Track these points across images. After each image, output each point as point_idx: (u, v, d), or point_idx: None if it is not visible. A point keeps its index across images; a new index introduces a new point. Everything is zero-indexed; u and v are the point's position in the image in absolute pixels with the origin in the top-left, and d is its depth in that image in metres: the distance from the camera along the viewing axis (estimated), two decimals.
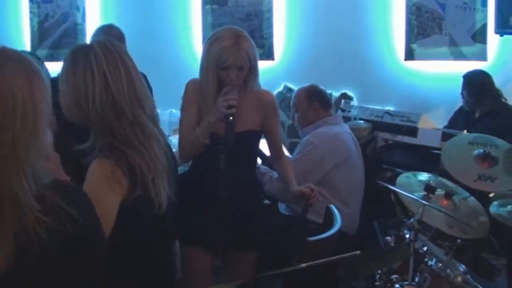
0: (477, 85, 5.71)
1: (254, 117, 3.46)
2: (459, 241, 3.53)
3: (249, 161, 3.59)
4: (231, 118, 3.25)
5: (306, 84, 4.79)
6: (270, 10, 7.27)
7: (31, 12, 8.23)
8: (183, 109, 3.53)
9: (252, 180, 3.63)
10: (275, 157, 3.73)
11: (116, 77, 2.32)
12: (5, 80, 1.59)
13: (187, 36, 7.67)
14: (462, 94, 5.81)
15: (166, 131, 7.04)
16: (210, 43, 3.33)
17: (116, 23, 7.90)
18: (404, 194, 3.65)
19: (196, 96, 3.41)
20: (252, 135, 3.49)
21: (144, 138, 2.33)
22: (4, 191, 1.51)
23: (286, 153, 4.29)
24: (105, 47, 2.36)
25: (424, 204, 3.37)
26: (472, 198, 4.08)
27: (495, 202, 4.10)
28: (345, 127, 4.68)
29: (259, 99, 3.46)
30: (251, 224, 3.45)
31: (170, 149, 2.64)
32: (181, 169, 5.56)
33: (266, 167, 4.20)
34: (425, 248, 3.38)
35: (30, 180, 1.54)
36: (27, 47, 8.17)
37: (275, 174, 4.00)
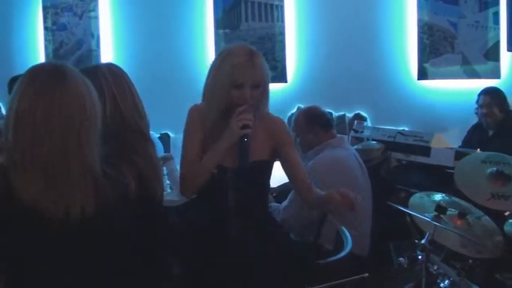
0: (505, 100, 5.70)
1: (264, 146, 3.15)
2: (470, 261, 3.50)
3: (260, 195, 3.24)
4: (245, 139, 2.97)
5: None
6: (282, 33, 7.33)
7: (46, 39, 8.36)
8: (186, 138, 3.21)
9: (265, 218, 3.28)
10: (303, 189, 3.21)
11: (122, 94, 2.72)
12: (78, 88, 2.18)
13: (202, 61, 7.70)
14: (488, 111, 5.75)
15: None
16: (221, 59, 3.07)
17: (130, 48, 8.01)
18: (414, 215, 3.62)
19: (201, 123, 3.12)
20: (263, 166, 3.16)
21: (146, 145, 2.71)
22: (85, 164, 2.15)
23: None
24: (110, 68, 2.79)
25: (435, 224, 3.35)
26: (486, 217, 4.04)
27: (510, 221, 4.06)
28: (350, 149, 4.62)
29: (269, 126, 3.17)
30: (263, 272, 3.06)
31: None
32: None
33: (273, 203, 4.15)
34: (437, 269, 3.36)
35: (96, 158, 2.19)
36: None
37: (281, 206, 3.93)
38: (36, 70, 2.28)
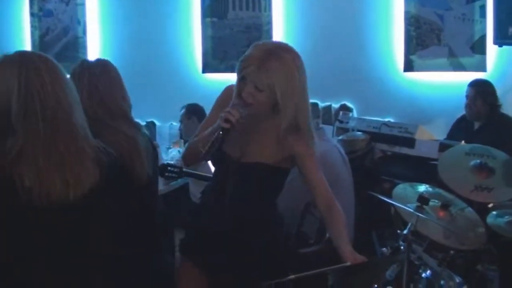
0: (491, 93, 5.73)
1: (272, 152, 3.03)
2: (452, 252, 3.51)
3: (258, 197, 3.12)
4: (221, 132, 2.86)
5: None
6: (269, 23, 7.33)
7: (32, 26, 8.32)
8: (210, 111, 3.26)
9: (263, 219, 3.15)
10: (323, 207, 3.06)
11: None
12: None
13: (188, 49, 7.71)
14: (470, 103, 5.78)
15: (166, 143, 7.07)
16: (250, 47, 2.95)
17: (116, 36, 7.97)
18: (397, 205, 3.64)
19: (227, 102, 3.01)
20: (263, 169, 3.04)
21: (130, 127, 3.05)
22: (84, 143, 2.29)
23: None
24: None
25: (417, 215, 3.36)
26: (469, 209, 4.05)
27: (493, 213, 4.08)
28: (332, 142, 4.57)
29: (288, 140, 3.00)
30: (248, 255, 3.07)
31: (147, 137, 3.25)
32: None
33: None
34: (419, 259, 3.37)
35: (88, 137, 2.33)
36: None
37: None
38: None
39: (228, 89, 3.13)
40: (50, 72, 2.24)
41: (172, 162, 5.25)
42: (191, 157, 3.29)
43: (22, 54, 2.30)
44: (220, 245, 3.09)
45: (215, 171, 3.30)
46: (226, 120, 2.84)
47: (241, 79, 2.89)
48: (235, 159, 3.03)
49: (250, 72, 2.83)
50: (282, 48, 2.93)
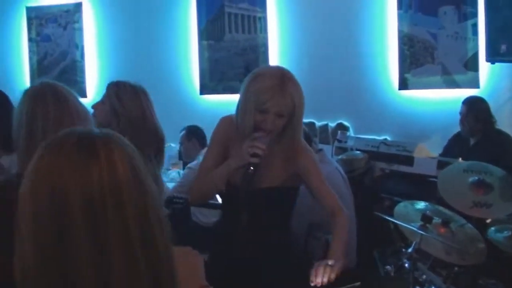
0: (483, 110, 5.79)
1: (281, 174, 3.03)
2: (456, 268, 3.58)
3: (275, 222, 3.09)
4: (251, 168, 2.84)
5: None
6: (265, 45, 7.42)
7: (30, 51, 8.40)
8: (208, 147, 3.23)
9: (282, 244, 3.11)
10: (330, 214, 3.03)
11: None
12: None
13: (186, 71, 7.78)
14: (463, 120, 5.87)
15: (165, 165, 7.10)
16: (251, 80, 2.89)
17: (114, 59, 8.05)
18: (402, 225, 3.70)
19: (226, 135, 3.06)
20: (274, 193, 3.03)
21: None
22: None
23: None
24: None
25: (421, 233, 3.43)
26: (469, 225, 4.11)
27: (492, 228, 4.15)
28: (332, 163, 4.61)
29: (291, 156, 3.01)
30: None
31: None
32: None
33: None
34: (424, 277, 3.44)
35: None
36: (27, 85, 8.26)
37: None
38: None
39: (224, 121, 3.13)
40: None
41: (176, 194, 5.25)
42: (202, 198, 3.29)
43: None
44: (248, 273, 3.02)
45: (225, 200, 3.26)
46: (254, 155, 2.82)
47: (262, 112, 2.84)
48: (244, 187, 2.95)
49: (274, 103, 2.81)
50: (286, 71, 2.95)
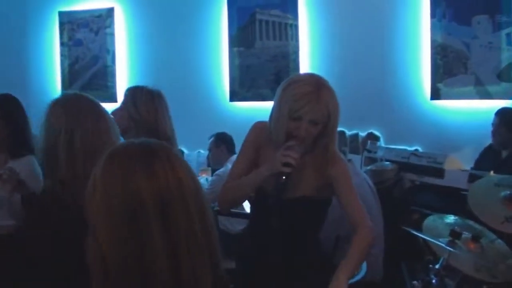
0: None
1: (312, 183, 2.98)
2: (485, 286, 3.50)
3: (306, 232, 3.06)
4: (283, 177, 2.78)
5: None
6: (296, 52, 7.38)
7: (62, 55, 8.46)
8: (239, 153, 3.18)
9: (310, 255, 3.07)
10: (351, 227, 2.96)
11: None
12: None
13: (216, 78, 7.78)
14: (495, 131, 5.78)
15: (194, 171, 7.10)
16: (285, 86, 2.85)
17: (145, 65, 8.07)
18: (429, 240, 3.64)
19: (258, 141, 3.03)
20: (306, 203, 2.99)
21: None
22: None
23: None
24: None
25: (449, 250, 3.36)
26: (499, 240, 4.04)
27: None
28: (361, 174, 4.56)
29: (323, 166, 2.94)
30: None
31: None
32: None
33: None
34: None
35: None
36: (58, 88, 8.35)
37: None
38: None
39: (258, 127, 3.09)
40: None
41: None
42: (230, 204, 3.22)
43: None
44: (275, 282, 2.99)
45: (254, 209, 3.25)
46: (287, 164, 2.76)
47: (295, 119, 2.80)
48: (276, 196, 2.91)
49: (308, 110, 2.76)
50: (321, 78, 2.91)
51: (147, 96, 3.58)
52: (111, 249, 1.50)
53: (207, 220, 1.61)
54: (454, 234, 3.49)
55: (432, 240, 3.54)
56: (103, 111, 2.57)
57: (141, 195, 1.49)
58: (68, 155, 2.41)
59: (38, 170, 3.22)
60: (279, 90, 2.89)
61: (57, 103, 2.52)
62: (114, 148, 1.61)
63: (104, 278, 1.53)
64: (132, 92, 3.61)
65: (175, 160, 1.57)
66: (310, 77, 2.95)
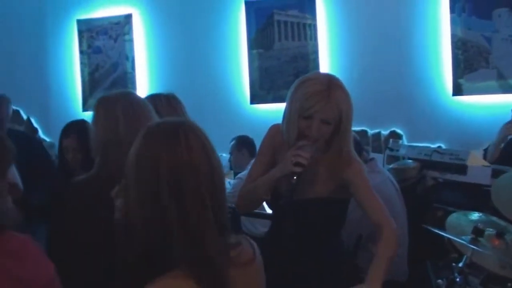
0: None
1: (326, 184, 2.97)
2: (509, 284, 3.45)
3: (322, 234, 3.02)
4: (294, 178, 2.76)
5: None
6: (315, 52, 7.34)
7: (81, 63, 8.50)
8: (257, 155, 3.21)
9: (329, 256, 3.04)
10: (375, 226, 2.91)
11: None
12: None
13: (236, 80, 7.77)
14: None
15: None
16: (297, 85, 2.85)
17: (164, 70, 8.09)
18: (452, 238, 3.59)
19: (274, 143, 3.04)
20: (324, 204, 2.98)
21: None
22: None
23: None
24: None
25: (472, 248, 3.31)
26: None
27: None
28: (384, 173, 4.55)
29: (338, 167, 2.92)
30: None
31: None
32: None
33: None
34: None
35: None
36: (79, 97, 8.39)
37: None
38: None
39: (273, 129, 3.09)
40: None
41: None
42: (248, 207, 3.22)
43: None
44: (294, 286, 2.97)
45: (272, 210, 3.27)
46: (298, 164, 2.74)
47: (306, 118, 2.80)
48: (289, 198, 2.89)
49: (319, 108, 2.76)
50: (334, 77, 2.89)
51: (167, 102, 3.67)
52: (135, 208, 1.80)
53: (219, 197, 1.83)
54: (477, 232, 3.45)
55: (455, 238, 3.49)
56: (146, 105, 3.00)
57: (159, 164, 1.75)
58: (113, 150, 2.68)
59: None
60: (291, 89, 2.89)
61: (101, 103, 2.86)
62: (150, 124, 1.92)
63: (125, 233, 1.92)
64: (152, 101, 3.61)
65: (193, 138, 1.81)
66: (323, 76, 2.95)
